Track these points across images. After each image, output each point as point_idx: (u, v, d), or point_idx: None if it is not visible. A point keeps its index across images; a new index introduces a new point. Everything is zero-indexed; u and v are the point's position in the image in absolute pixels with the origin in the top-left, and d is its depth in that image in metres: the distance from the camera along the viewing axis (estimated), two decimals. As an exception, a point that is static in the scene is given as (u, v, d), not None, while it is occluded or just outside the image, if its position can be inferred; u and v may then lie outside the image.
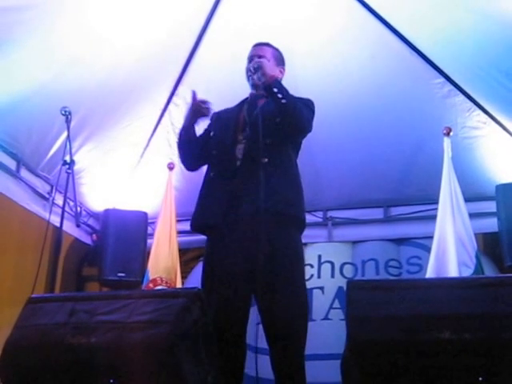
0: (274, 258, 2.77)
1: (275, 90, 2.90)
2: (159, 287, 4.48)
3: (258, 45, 3.25)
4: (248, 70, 3.10)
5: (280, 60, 3.25)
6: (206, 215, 2.95)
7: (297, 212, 2.97)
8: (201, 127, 3.23)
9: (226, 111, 3.24)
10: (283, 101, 2.89)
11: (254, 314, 2.87)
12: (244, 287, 2.82)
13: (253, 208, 2.78)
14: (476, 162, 4.78)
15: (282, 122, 2.95)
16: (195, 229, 3.03)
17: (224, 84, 4.51)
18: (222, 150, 3.03)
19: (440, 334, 1.92)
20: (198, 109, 3.08)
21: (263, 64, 3.01)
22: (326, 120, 4.56)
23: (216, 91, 4.56)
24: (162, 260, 4.66)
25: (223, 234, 2.87)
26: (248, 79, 3.13)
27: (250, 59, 3.16)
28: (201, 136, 3.19)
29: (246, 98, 3.20)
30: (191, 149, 3.16)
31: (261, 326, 2.83)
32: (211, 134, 3.16)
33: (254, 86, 3.09)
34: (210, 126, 3.26)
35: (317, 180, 5.07)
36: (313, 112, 3.11)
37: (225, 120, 3.15)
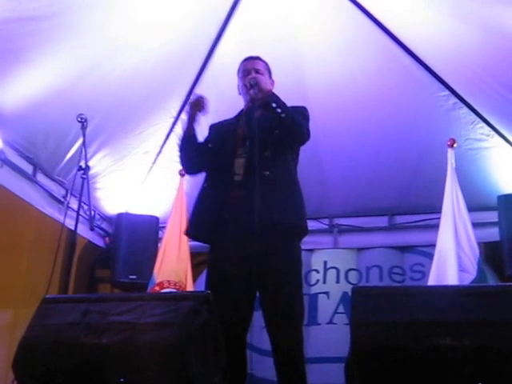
0: (271, 267, 2.82)
1: (274, 105, 2.92)
2: (166, 290, 4.51)
3: (251, 58, 3.24)
4: (244, 86, 3.11)
5: (270, 72, 3.26)
6: (198, 227, 3.03)
7: (298, 220, 2.98)
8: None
9: (224, 124, 3.24)
10: (282, 115, 2.91)
11: (258, 317, 2.96)
12: (246, 295, 2.89)
13: (253, 219, 2.76)
14: (479, 173, 4.83)
15: (282, 134, 2.97)
16: (190, 237, 3.14)
17: (236, 94, 4.54)
18: (220, 163, 3.06)
19: (441, 340, 1.93)
20: (196, 103, 3.05)
21: (259, 80, 3.03)
22: (333, 130, 4.67)
23: (228, 100, 4.62)
24: (171, 263, 4.69)
25: (224, 244, 2.94)
26: (243, 93, 3.15)
27: (244, 73, 3.16)
28: (201, 143, 3.18)
29: (242, 110, 3.21)
30: (191, 151, 3.14)
31: (264, 330, 2.90)
32: (209, 145, 3.15)
33: (250, 100, 3.10)
34: (208, 137, 3.26)
35: (324, 188, 5.15)
36: (308, 119, 3.12)
37: (223, 133, 3.14)
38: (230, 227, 2.93)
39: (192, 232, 3.11)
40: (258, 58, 3.25)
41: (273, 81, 3.24)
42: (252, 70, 3.14)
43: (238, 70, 3.26)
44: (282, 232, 2.88)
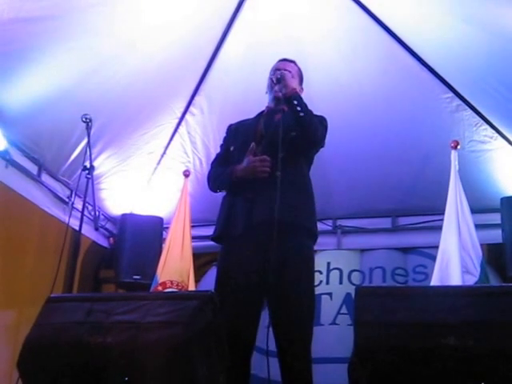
0: (285, 267, 2.81)
1: (295, 102, 2.93)
2: (168, 290, 4.51)
3: (285, 60, 3.28)
4: (270, 81, 3.15)
5: (302, 79, 3.29)
6: (229, 226, 2.99)
7: (310, 224, 3.02)
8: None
9: (243, 125, 3.24)
10: (301, 114, 2.92)
11: (264, 317, 2.96)
12: (256, 294, 2.88)
13: (267, 219, 2.79)
14: (482, 175, 4.82)
15: (298, 135, 2.98)
16: (217, 240, 3.08)
17: (240, 94, 4.62)
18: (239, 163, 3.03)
19: (445, 340, 1.93)
20: (256, 170, 2.96)
21: (286, 75, 3.05)
22: (337, 132, 4.61)
23: (232, 101, 4.71)
24: (174, 264, 4.68)
25: (238, 242, 2.93)
26: (269, 91, 3.17)
27: (275, 71, 3.17)
28: (225, 159, 3.18)
29: (262, 112, 3.22)
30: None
31: (271, 329, 2.86)
32: (231, 148, 3.15)
33: (274, 98, 3.13)
34: (226, 139, 3.26)
35: (327, 190, 5.12)
36: (326, 129, 3.13)
37: (243, 134, 3.14)
38: (242, 226, 2.94)
39: (223, 233, 3.06)
40: (293, 62, 3.30)
41: (302, 88, 3.24)
42: (282, 69, 3.16)
43: (271, 69, 3.27)
44: (291, 232, 2.88)
